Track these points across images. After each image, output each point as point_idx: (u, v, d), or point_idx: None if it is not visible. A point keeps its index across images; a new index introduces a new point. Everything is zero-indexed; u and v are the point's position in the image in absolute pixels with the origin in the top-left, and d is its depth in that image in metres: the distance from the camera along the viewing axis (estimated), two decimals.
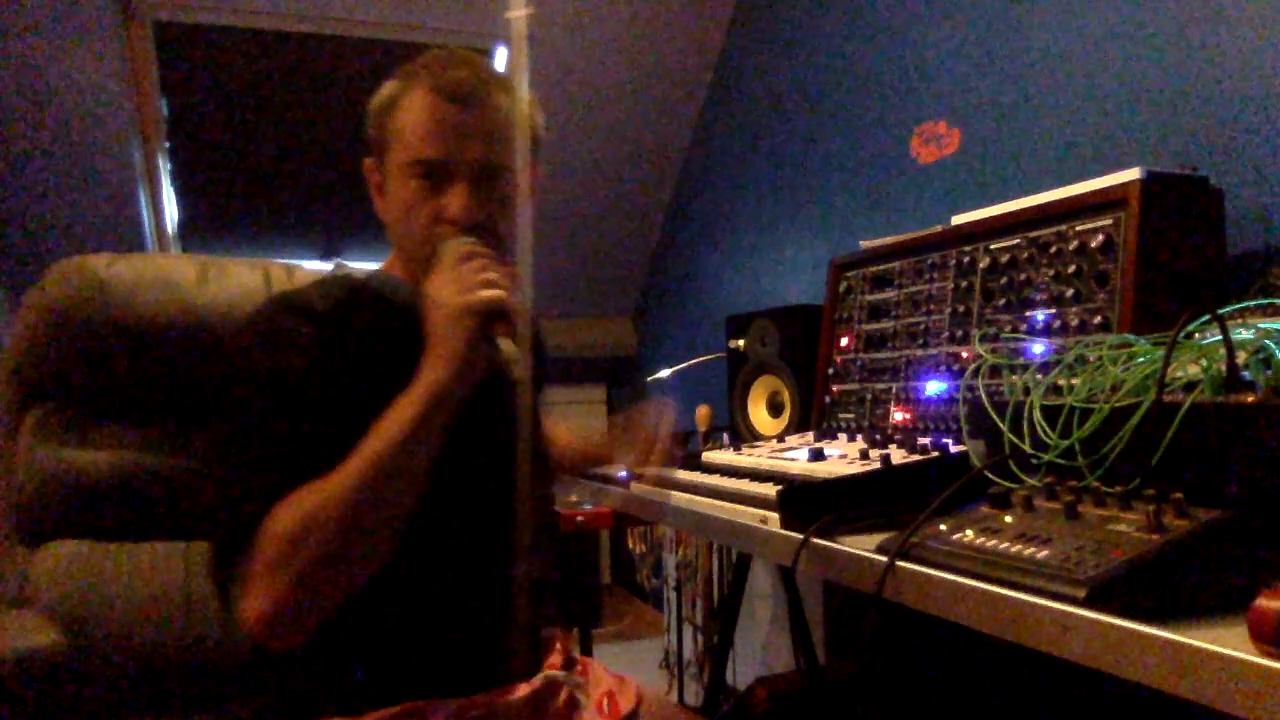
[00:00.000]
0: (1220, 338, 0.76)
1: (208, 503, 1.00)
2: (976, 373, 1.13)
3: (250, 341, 1.02)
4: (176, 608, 1.26)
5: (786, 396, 1.75)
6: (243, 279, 1.38)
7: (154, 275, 1.30)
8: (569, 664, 1.19)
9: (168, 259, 1.38)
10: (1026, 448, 0.85)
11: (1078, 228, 1.16)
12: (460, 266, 0.96)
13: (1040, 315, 1.18)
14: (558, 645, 1.21)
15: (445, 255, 0.98)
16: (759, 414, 1.83)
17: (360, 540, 0.90)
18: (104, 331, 1.24)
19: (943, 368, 1.33)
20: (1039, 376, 0.92)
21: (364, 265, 1.17)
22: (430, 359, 0.93)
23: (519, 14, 1.06)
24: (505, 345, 0.94)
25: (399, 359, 0.95)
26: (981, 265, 1.30)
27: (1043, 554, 0.72)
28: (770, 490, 1.08)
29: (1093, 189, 1.15)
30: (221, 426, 0.99)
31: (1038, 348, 1.14)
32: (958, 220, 1.39)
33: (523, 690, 1.05)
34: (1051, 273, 1.18)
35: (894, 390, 1.42)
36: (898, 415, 1.39)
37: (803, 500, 1.04)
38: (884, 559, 0.86)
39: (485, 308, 0.92)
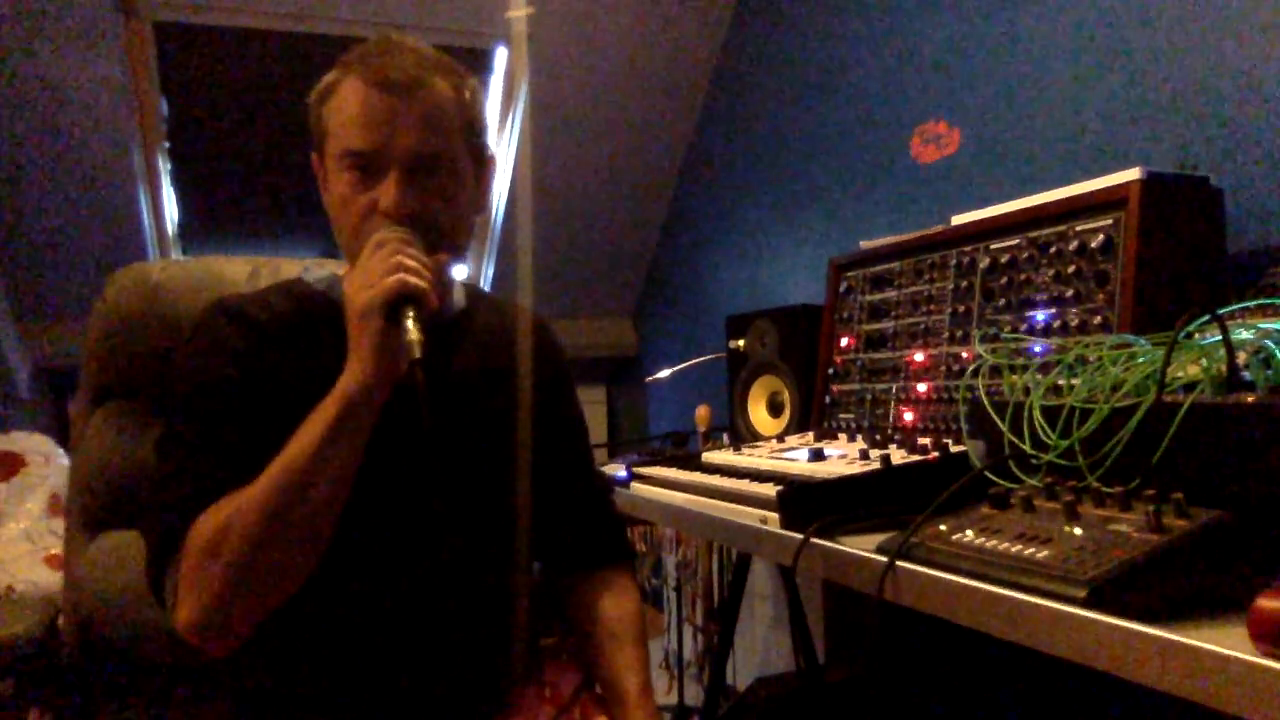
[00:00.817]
0: (1220, 338, 0.76)
1: (146, 508, 0.99)
2: (976, 373, 1.13)
3: (185, 348, 1.01)
4: None
5: (786, 396, 1.74)
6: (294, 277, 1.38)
7: (205, 276, 1.33)
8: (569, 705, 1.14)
9: (221, 260, 1.38)
10: (1026, 448, 0.85)
11: (1078, 228, 1.16)
12: (370, 259, 0.90)
13: (1040, 315, 1.18)
14: (551, 684, 1.16)
15: (364, 249, 0.93)
16: (759, 414, 1.83)
17: (277, 545, 0.87)
18: (157, 332, 1.28)
19: (943, 368, 1.33)
20: (1039, 376, 0.92)
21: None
22: (348, 362, 0.89)
23: (519, 14, 1.05)
24: (410, 329, 0.85)
25: (339, 368, 0.91)
26: (981, 265, 1.30)
27: (1043, 554, 0.72)
28: (770, 490, 1.08)
29: (1093, 189, 1.15)
30: (162, 432, 0.98)
31: (1037, 348, 1.14)
32: (958, 220, 1.39)
33: None
34: (1051, 273, 1.18)
35: (894, 390, 1.42)
36: (898, 415, 1.39)
37: (803, 500, 1.04)
38: (884, 559, 0.86)
39: (387, 299, 0.86)
